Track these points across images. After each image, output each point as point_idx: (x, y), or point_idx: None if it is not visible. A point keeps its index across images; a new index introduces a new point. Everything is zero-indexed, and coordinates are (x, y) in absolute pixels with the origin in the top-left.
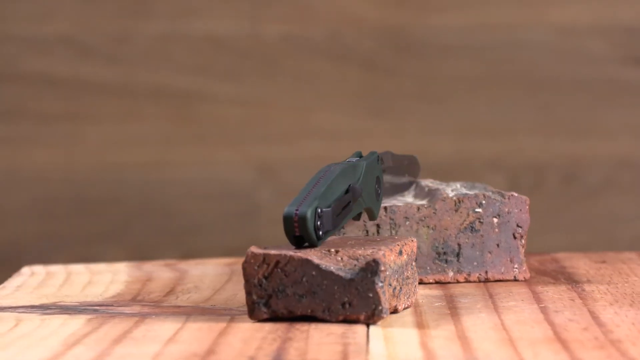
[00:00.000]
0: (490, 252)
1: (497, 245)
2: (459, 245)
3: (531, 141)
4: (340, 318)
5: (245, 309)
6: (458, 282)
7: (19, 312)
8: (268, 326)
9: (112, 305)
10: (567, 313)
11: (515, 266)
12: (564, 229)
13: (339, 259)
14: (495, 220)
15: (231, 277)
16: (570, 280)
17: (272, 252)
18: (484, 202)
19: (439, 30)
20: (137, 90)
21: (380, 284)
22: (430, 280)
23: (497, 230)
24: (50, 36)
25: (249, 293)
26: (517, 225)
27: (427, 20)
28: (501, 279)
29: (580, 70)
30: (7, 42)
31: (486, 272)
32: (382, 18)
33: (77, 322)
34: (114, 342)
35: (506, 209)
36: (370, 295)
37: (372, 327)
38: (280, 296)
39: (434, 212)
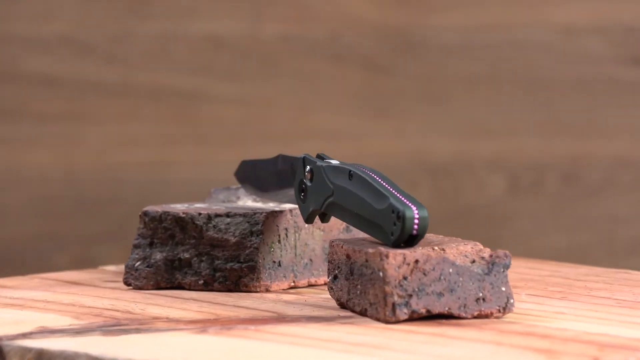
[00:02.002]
0: None
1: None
2: None
3: (531, 141)
4: (475, 314)
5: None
6: None
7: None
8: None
9: (129, 324)
10: None
11: None
12: (564, 229)
13: (453, 255)
14: None
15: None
16: None
17: (408, 251)
18: None
19: (439, 30)
20: (137, 90)
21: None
22: (322, 282)
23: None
24: (50, 36)
25: (390, 295)
26: None
27: (428, 20)
28: None
29: (580, 70)
30: (7, 42)
31: None
32: (382, 18)
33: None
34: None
35: None
36: (503, 289)
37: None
38: (421, 295)
39: None
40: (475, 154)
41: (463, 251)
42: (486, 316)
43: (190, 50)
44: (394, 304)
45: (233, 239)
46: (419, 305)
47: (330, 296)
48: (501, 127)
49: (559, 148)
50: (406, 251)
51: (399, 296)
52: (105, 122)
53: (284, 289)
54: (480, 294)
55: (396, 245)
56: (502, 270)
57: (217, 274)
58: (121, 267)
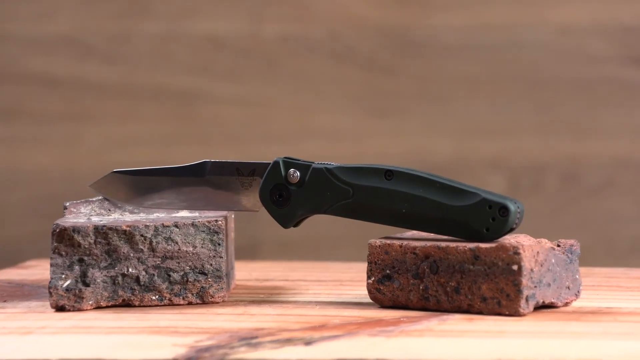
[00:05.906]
0: None
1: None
2: None
3: (531, 141)
4: (564, 302)
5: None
6: None
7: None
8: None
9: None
10: None
11: None
12: (564, 229)
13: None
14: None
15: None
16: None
17: (529, 244)
18: None
19: (439, 30)
20: (137, 90)
21: None
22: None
23: None
24: (50, 36)
25: (526, 287)
26: None
27: (428, 20)
28: None
29: (580, 70)
30: (7, 42)
31: None
32: (382, 18)
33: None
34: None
35: None
36: (577, 277)
37: None
38: (540, 287)
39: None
40: (475, 154)
41: (545, 242)
42: (567, 304)
43: (190, 50)
44: (527, 297)
45: (193, 249)
46: (539, 297)
47: (370, 298)
48: (501, 127)
49: (559, 148)
50: (531, 244)
51: (530, 288)
52: (105, 122)
53: (223, 299)
54: (567, 283)
55: (488, 240)
56: (576, 259)
57: (175, 287)
58: None
